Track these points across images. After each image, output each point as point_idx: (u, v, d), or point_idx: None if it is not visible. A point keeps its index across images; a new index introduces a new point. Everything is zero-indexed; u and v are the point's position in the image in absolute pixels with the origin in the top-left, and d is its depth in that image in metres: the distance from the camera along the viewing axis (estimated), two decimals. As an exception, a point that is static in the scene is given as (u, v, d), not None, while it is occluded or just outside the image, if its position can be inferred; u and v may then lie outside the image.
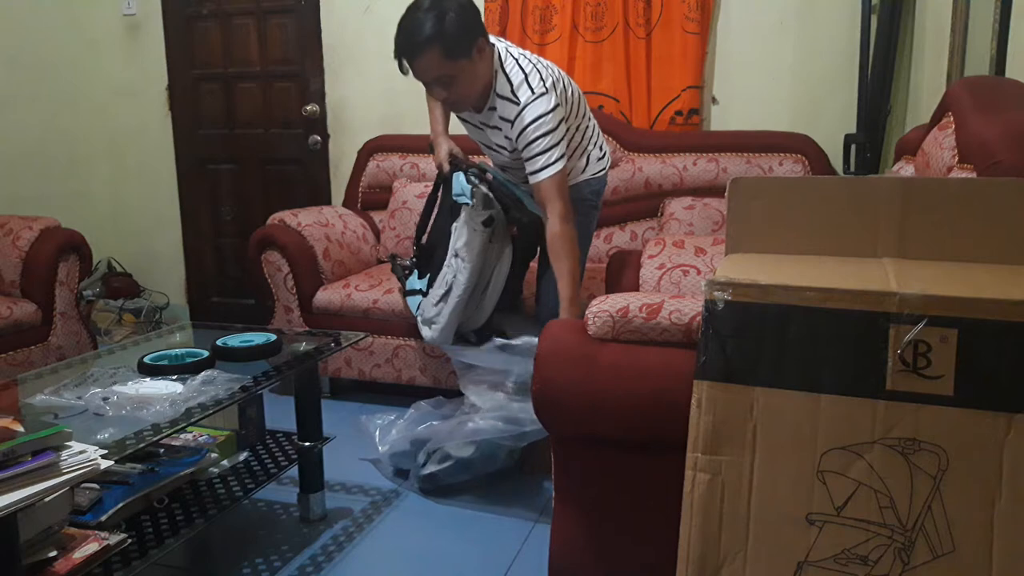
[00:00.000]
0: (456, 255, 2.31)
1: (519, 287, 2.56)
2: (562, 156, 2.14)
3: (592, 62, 3.26)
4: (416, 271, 2.63)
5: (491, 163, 2.52)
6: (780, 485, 1.04)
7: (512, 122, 2.15)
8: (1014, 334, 0.94)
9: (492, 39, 2.21)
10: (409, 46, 2.05)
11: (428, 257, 2.57)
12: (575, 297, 2.11)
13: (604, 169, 2.48)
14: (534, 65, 2.17)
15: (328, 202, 3.79)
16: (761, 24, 3.14)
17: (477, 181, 2.29)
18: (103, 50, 4.07)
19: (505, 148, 2.30)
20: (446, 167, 2.42)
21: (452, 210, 2.44)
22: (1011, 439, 0.95)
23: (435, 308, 2.40)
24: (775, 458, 1.04)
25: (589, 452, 1.47)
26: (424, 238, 2.64)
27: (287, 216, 3.15)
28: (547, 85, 2.13)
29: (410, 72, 2.11)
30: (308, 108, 3.77)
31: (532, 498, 2.28)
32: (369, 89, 3.64)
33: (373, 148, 3.55)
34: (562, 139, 2.14)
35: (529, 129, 2.11)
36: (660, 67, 3.19)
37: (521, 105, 2.12)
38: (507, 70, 2.15)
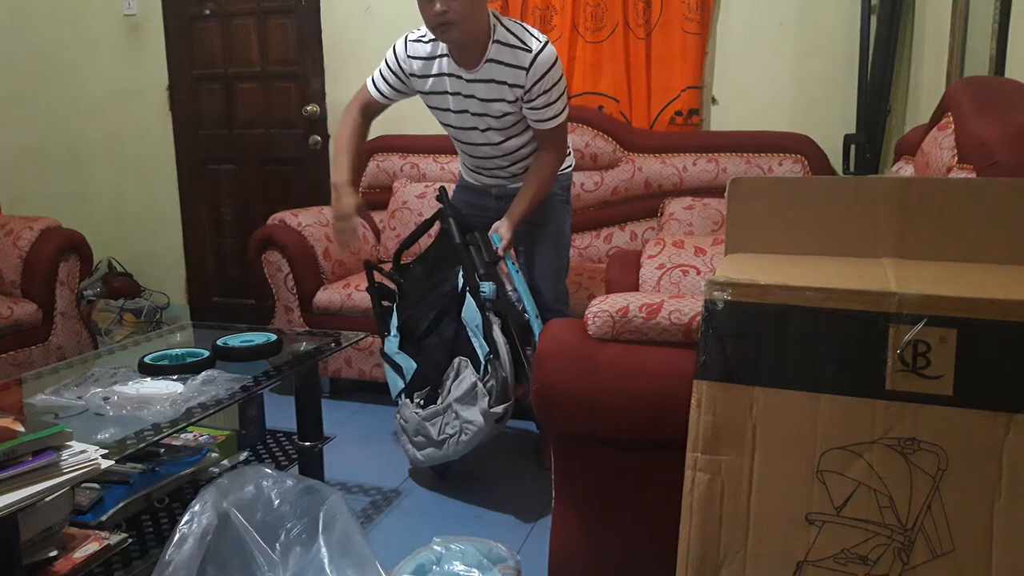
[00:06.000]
0: (456, 415, 2.14)
1: None
2: (567, 105, 2.28)
3: (592, 62, 3.26)
4: (395, 332, 2.44)
5: (469, 159, 2.48)
6: (780, 485, 1.04)
7: (528, 69, 2.16)
8: (1014, 334, 0.94)
9: None
10: None
11: (409, 329, 2.40)
12: (521, 215, 2.28)
13: (571, 167, 2.52)
14: (524, 25, 2.25)
15: (328, 202, 3.74)
16: (761, 24, 3.14)
17: (497, 345, 2.10)
18: (103, 50, 4.07)
19: (491, 114, 2.25)
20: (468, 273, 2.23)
21: (444, 259, 2.34)
22: (1010, 439, 0.95)
23: (423, 438, 2.23)
24: (775, 458, 1.04)
25: (589, 452, 1.47)
26: (405, 258, 2.51)
27: (287, 216, 3.15)
28: (545, 39, 2.20)
29: None
30: (308, 108, 3.77)
31: (532, 498, 2.28)
32: (369, 89, 3.64)
33: (373, 148, 3.55)
34: (565, 90, 2.25)
35: (547, 77, 2.17)
36: (660, 67, 3.19)
37: (534, 51, 2.15)
38: (506, 24, 2.20)
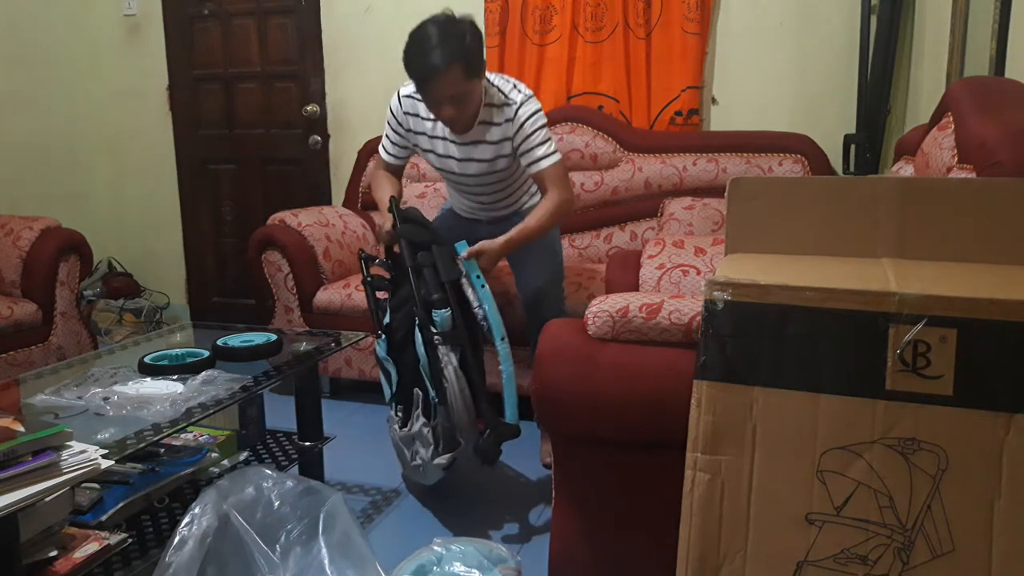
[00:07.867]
0: (417, 450, 2.10)
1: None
2: (558, 150, 2.31)
3: (592, 62, 3.26)
4: (386, 336, 2.26)
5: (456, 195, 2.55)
6: (780, 485, 1.04)
7: (512, 120, 2.26)
8: (1014, 334, 0.94)
9: None
10: (433, 64, 2.09)
11: (392, 333, 2.23)
12: (521, 239, 2.24)
13: None
14: (513, 82, 2.33)
15: (328, 202, 3.79)
16: (761, 24, 3.14)
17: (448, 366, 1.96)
18: (104, 50, 4.07)
19: (485, 162, 2.33)
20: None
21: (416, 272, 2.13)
22: (1010, 439, 0.95)
23: (405, 440, 2.18)
24: (775, 458, 1.04)
25: (589, 452, 1.47)
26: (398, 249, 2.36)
27: (287, 216, 3.15)
28: (530, 93, 2.30)
29: (430, 89, 2.15)
30: (308, 108, 3.77)
31: (532, 498, 2.28)
32: (369, 89, 3.64)
33: (373, 148, 3.51)
34: (551, 137, 2.31)
35: (528, 122, 2.26)
36: (660, 67, 3.19)
37: (517, 103, 2.26)
38: (495, 83, 2.29)
